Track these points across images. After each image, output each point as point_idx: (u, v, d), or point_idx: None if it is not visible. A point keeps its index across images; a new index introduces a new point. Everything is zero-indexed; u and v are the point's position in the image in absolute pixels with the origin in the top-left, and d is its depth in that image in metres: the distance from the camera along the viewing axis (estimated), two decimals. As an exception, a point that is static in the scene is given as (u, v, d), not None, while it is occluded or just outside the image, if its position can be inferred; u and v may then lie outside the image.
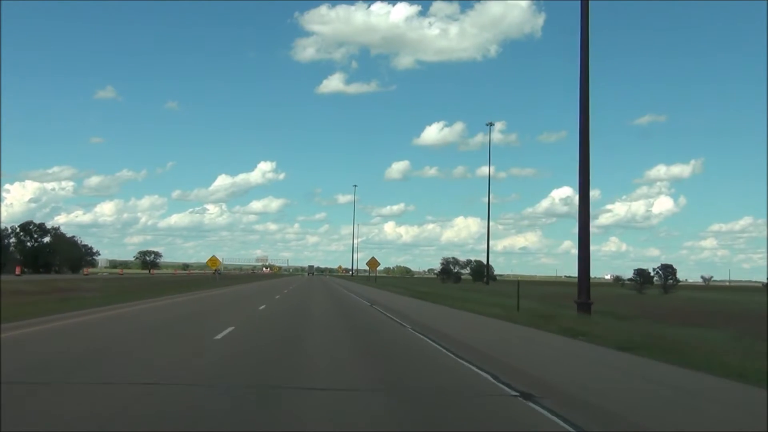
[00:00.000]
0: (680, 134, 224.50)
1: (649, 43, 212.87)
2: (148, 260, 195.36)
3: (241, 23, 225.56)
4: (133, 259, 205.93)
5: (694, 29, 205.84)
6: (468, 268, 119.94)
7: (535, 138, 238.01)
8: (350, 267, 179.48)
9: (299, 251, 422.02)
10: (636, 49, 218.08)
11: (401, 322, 22.01)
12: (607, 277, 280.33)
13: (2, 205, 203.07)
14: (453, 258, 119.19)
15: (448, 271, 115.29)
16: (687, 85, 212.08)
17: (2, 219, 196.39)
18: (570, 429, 7.07)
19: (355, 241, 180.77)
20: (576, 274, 24.64)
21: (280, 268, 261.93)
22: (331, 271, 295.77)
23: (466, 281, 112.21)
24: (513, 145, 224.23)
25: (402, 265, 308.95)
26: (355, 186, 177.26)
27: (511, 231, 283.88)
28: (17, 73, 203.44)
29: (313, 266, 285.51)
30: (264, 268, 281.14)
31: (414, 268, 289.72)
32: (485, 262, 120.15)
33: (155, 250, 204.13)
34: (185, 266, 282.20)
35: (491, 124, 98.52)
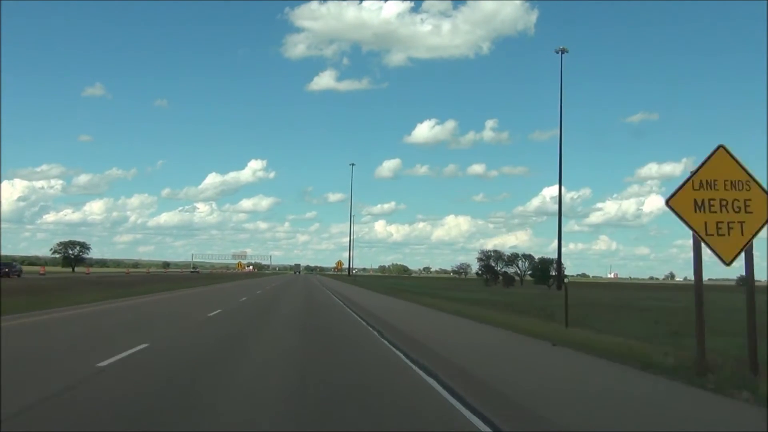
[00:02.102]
0: (672, 132, 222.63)
1: (641, 41, 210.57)
2: (71, 255, 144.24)
3: (230, 20, 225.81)
4: (50, 253, 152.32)
5: (686, 27, 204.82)
6: (515, 266, 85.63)
7: (527, 136, 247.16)
8: (348, 264, 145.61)
9: (289, 250, 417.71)
10: (628, 46, 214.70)
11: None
12: (611, 275, 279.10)
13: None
14: (494, 251, 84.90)
15: (492, 270, 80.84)
16: (679, 83, 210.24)
17: None
18: None
19: (352, 233, 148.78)
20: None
21: (244, 265, 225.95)
22: (322, 269, 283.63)
23: (521, 284, 78.61)
24: (504, 143, 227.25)
25: (399, 263, 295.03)
26: (353, 165, 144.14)
27: (501, 230, 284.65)
28: (5, 71, 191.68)
29: (299, 264, 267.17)
30: (248, 266, 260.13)
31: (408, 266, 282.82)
32: (534, 258, 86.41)
33: (82, 241, 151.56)
34: (166, 264, 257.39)
35: (563, 51, 64.72)
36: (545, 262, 76.43)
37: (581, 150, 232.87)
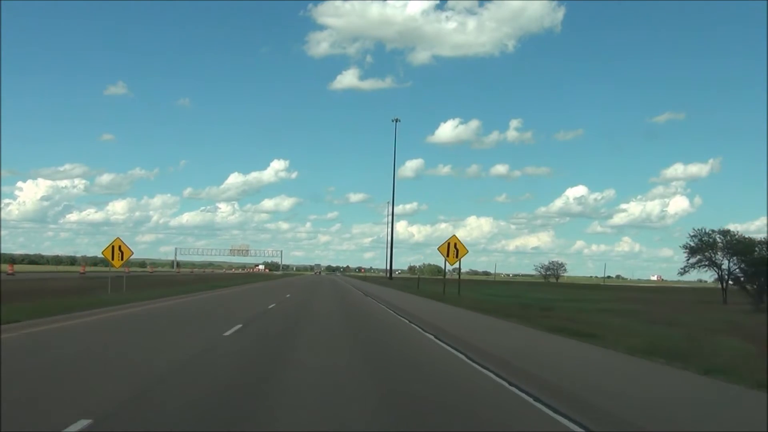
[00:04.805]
0: (699, 132, 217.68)
1: (668, 41, 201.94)
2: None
3: (253, 18, 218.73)
4: None
5: (714, 28, 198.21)
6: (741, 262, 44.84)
7: (551, 136, 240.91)
8: (389, 263, 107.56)
9: (310, 250, 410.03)
10: (655, 46, 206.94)
11: None
12: (654, 278, 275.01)
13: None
14: (722, 231, 44.75)
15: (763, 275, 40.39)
16: (707, 83, 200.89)
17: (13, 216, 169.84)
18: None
19: (392, 214, 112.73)
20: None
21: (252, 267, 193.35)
22: (347, 269, 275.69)
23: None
24: (528, 143, 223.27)
25: (433, 263, 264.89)
26: (396, 120, 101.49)
27: (523, 231, 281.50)
28: (27, 70, 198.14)
29: (320, 265, 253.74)
30: (258, 267, 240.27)
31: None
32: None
33: None
34: (182, 265, 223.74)
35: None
36: None
37: (605, 151, 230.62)
